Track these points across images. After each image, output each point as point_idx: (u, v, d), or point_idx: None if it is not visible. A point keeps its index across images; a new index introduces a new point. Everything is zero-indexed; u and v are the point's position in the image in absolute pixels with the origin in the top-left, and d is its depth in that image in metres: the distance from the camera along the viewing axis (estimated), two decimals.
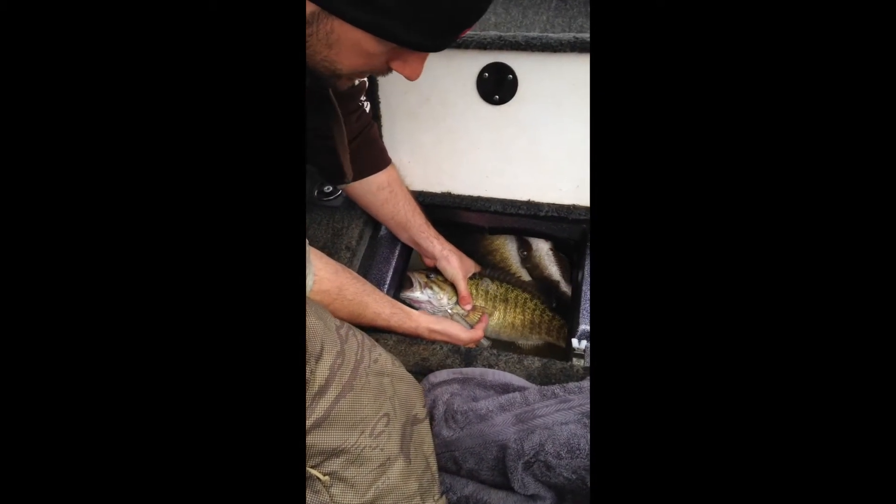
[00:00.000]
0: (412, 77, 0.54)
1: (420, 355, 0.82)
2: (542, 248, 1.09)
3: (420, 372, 0.79)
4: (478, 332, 0.89)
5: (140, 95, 0.28)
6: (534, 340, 0.98)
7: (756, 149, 0.27)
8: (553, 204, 0.97)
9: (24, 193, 0.26)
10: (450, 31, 0.49)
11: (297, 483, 0.29)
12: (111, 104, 0.28)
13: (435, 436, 0.63)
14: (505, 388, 0.70)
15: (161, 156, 0.28)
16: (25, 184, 0.26)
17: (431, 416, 0.68)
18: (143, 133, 0.28)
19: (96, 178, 0.27)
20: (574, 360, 0.85)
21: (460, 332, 0.85)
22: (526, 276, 1.06)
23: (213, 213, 0.29)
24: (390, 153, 0.92)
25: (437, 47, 0.50)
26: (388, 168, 0.91)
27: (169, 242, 0.28)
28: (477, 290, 0.97)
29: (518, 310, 0.96)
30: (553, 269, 1.06)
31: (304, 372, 0.46)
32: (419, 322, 0.83)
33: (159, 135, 0.28)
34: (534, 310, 0.97)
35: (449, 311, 0.96)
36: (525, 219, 1.01)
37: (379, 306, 0.77)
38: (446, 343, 0.83)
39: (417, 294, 0.95)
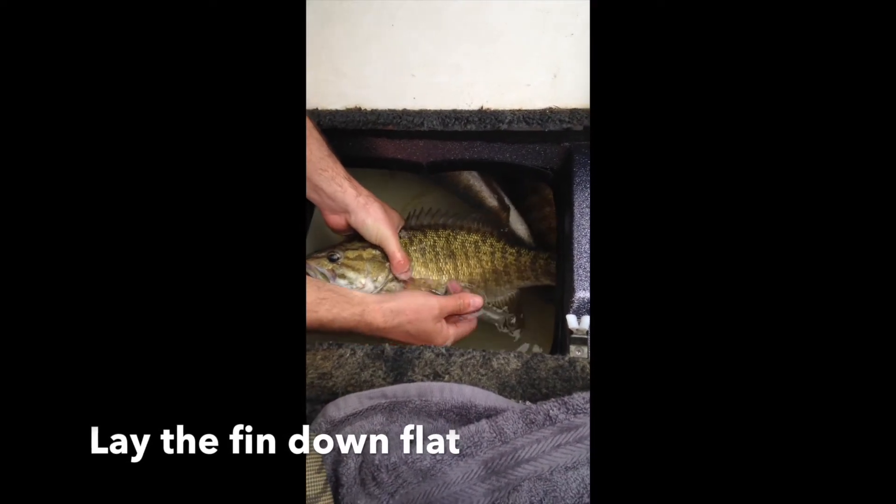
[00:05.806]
0: None
1: (316, 368, 0.48)
2: None
3: (315, 399, 0.46)
4: (466, 298, 0.66)
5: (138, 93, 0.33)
6: (505, 291, 0.76)
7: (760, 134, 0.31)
8: (519, 110, 0.65)
9: (18, 194, 0.31)
10: None
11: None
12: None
13: None
14: (463, 414, 0.46)
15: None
16: (18, 186, 0.31)
17: (336, 480, 0.42)
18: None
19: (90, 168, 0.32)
20: (573, 349, 0.53)
21: (446, 302, 0.63)
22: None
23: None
24: None
25: None
26: None
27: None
28: (409, 250, 0.72)
29: (473, 260, 0.74)
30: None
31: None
32: (366, 305, 0.56)
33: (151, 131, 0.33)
34: (492, 253, 0.74)
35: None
36: (478, 142, 0.68)
37: None
38: (408, 343, 0.56)
39: None
